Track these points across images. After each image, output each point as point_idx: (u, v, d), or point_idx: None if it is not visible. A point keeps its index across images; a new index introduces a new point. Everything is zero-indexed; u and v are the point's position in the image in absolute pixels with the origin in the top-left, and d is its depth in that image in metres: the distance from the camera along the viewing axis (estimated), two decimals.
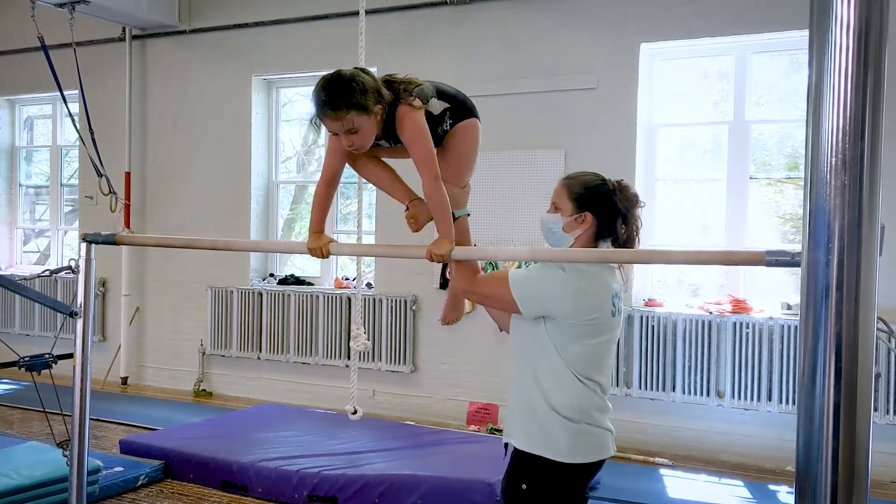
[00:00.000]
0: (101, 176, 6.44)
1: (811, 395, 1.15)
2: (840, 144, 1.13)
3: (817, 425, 1.15)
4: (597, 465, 2.27)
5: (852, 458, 1.12)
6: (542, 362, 2.23)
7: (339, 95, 2.09)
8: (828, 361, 1.13)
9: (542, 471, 2.20)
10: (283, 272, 7.16)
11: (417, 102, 2.19)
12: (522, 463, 2.23)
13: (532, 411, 2.23)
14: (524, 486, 2.21)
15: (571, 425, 2.20)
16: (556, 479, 2.20)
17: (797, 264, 1.82)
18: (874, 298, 1.20)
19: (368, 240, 6.23)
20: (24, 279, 3.12)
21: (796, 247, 1.45)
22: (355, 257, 5.23)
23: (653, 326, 5.50)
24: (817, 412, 1.15)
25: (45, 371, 2.94)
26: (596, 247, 2.33)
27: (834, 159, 1.13)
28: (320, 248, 2.34)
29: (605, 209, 2.29)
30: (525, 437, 2.24)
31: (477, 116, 2.40)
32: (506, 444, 2.33)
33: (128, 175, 7.40)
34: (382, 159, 2.45)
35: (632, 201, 2.31)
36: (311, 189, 7.45)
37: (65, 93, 6.40)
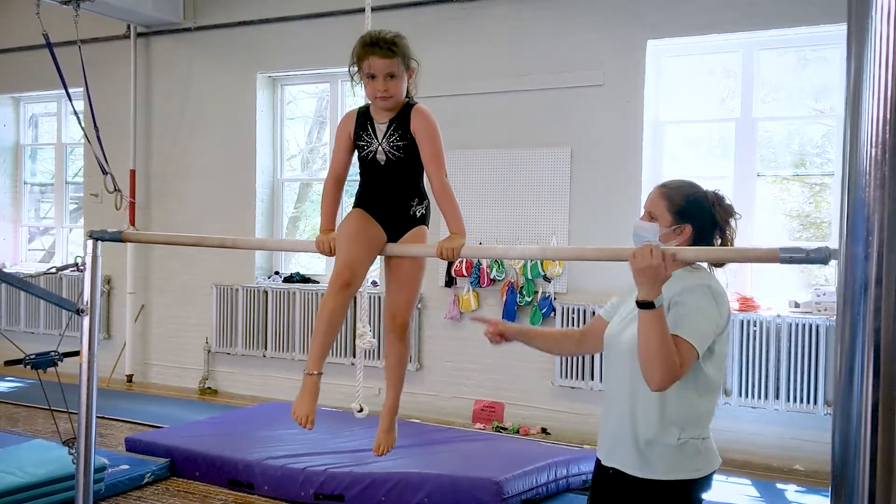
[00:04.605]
0: (106, 174, 6.43)
1: (848, 395, 1.12)
2: (880, 135, 1.10)
3: (854, 426, 1.12)
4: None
5: (891, 460, 1.10)
6: (688, 388, 2.12)
7: (395, 41, 2.29)
8: (866, 360, 1.11)
9: (686, 491, 2.14)
10: (288, 270, 7.14)
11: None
12: (663, 490, 2.13)
13: (667, 440, 2.12)
14: None
15: (705, 441, 2.17)
16: (700, 492, 2.17)
17: (812, 261, 1.79)
18: None
19: None
20: (30, 276, 3.11)
21: (808, 244, 1.42)
22: None
23: None
24: (854, 412, 1.12)
25: (51, 369, 2.93)
26: None
27: (874, 150, 1.10)
28: (327, 242, 2.36)
29: (704, 221, 2.24)
30: (663, 465, 2.13)
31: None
32: (609, 469, 2.23)
33: (132, 172, 7.40)
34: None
35: (729, 212, 2.26)
36: (316, 187, 7.45)
37: (69, 90, 6.39)
